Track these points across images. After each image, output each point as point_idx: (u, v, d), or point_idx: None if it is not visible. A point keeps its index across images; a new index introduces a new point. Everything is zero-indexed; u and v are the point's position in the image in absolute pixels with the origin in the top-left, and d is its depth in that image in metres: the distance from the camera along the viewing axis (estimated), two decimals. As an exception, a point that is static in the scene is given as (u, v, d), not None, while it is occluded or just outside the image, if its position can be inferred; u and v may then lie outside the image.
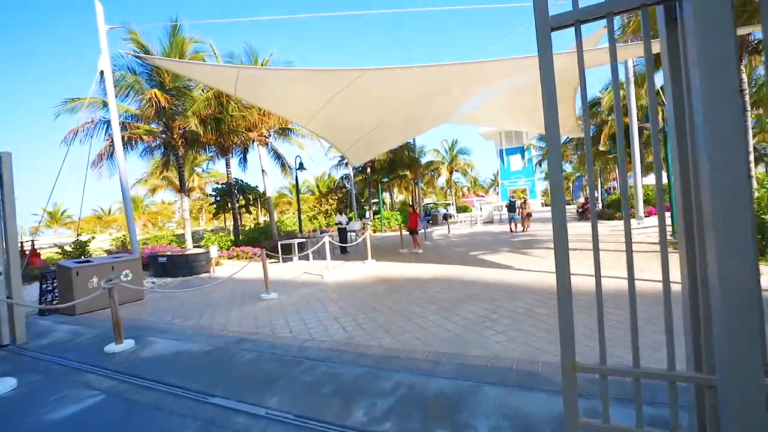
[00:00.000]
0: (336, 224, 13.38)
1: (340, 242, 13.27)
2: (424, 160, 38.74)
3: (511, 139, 47.89)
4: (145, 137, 13.47)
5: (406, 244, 12.77)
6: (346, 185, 30.10)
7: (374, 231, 23.90)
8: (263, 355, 3.89)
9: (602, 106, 18.32)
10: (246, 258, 13.16)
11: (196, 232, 21.51)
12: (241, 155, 18.42)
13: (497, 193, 55.68)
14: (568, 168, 45.55)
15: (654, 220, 14.95)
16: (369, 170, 25.76)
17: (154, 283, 9.51)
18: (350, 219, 23.33)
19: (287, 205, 42.83)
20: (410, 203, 14.96)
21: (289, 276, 9.31)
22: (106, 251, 14.75)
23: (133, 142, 13.32)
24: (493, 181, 67.76)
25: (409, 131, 16.07)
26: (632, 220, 17.44)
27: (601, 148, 20.88)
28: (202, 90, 13.36)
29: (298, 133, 17.47)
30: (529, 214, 21.60)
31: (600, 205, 22.39)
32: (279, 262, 12.22)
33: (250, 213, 22.89)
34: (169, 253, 10.70)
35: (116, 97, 10.10)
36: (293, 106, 10.88)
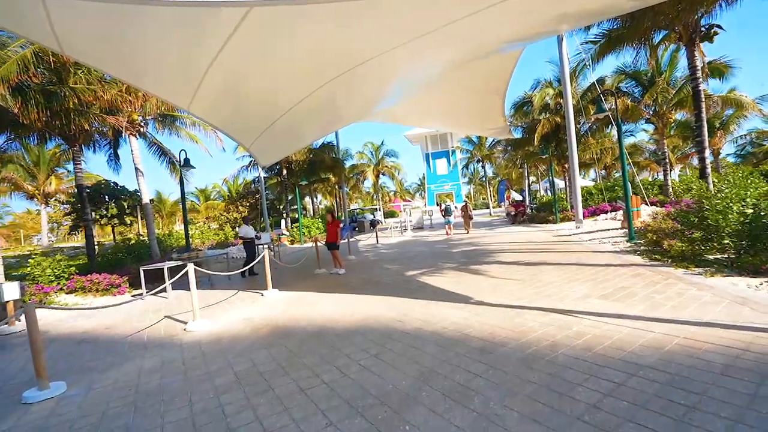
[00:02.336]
0: (240, 237, 10.05)
1: (247, 260, 10.03)
2: (349, 163, 36.23)
3: (437, 143, 47.65)
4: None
5: (325, 263, 9.99)
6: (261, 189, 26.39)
7: (291, 242, 20.62)
8: None
9: (533, 105, 17.52)
10: (97, 291, 9.25)
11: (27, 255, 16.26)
12: (109, 149, 14.05)
13: (423, 198, 55.31)
14: (489, 172, 46.40)
15: (594, 223, 14.11)
16: (285, 172, 22.41)
17: None
18: (262, 229, 19.75)
19: (196, 213, 37.16)
20: (329, 210, 12.05)
21: (130, 326, 5.95)
22: None
23: None
24: (419, 185, 67.75)
25: (327, 123, 13.28)
26: (566, 224, 17.07)
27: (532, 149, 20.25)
28: (22, 47, 9.18)
29: (190, 123, 13.72)
30: (470, 217, 20.34)
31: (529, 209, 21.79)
32: (144, 294, 8.60)
33: (127, 224, 18.14)
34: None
35: None
36: (156, 72, 7.49)
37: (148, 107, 12.20)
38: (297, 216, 27.89)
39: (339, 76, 8.72)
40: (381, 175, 35.67)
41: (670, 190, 15.18)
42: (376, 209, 39.43)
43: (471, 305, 5.12)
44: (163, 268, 8.74)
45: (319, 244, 9.90)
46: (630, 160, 33.35)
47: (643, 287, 5.10)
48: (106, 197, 16.78)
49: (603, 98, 9.41)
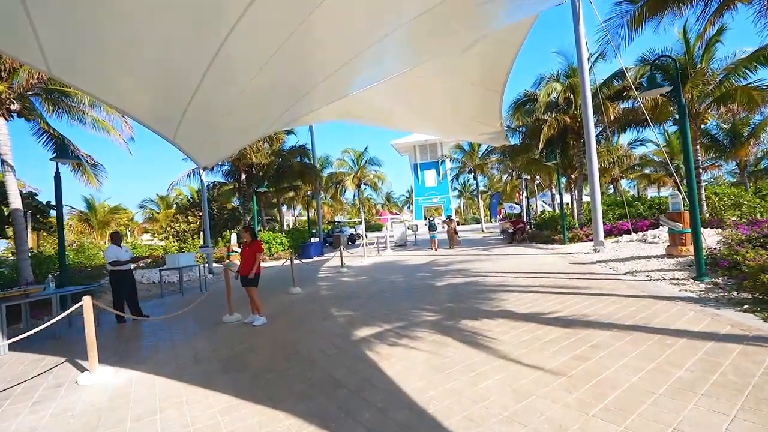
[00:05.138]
0: (109, 263, 6.60)
1: (117, 297, 6.64)
2: (328, 171, 33.07)
3: (426, 152, 44.87)
4: None
5: (239, 305, 6.68)
6: (233, 197, 22.92)
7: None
8: None
9: (538, 102, 14.64)
10: None
11: None
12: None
13: (411, 211, 52.34)
14: (481, 185, 43.71)
15: (617, 246, 10.95)
16: (245, 177, 19.08)
17: None
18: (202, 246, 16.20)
19: (155, 222, 33.28)
20: (247, 226, 8.63)
21: None
22: None
23: None
24: (407, 198, 64.78)
25: (285, 109, 10.08)
26: (578, 245, 13.84)
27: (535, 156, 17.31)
28: None
29: (90, 104, 10.39)
30: (455, 231, 17.53)
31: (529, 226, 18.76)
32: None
33: (4, 236, 14.48)
34: None
35: None
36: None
37: (22, 77, 8.87)
38: (268, 229, 24.48)
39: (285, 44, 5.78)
40: (363, 185, 32.50)
41: (705, 207, 12.24)
42: (356, 222, 36.21)
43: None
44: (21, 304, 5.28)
45: (231, 273, 6.53)
46: (637, 173, 30.64)
47: None
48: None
49: (654, 71, 6.43)
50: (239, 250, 16.89)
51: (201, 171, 13.92)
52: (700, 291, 5.53)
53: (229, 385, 3.60)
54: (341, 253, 12.13)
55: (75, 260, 12.42)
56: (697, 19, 7.80)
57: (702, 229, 8.48)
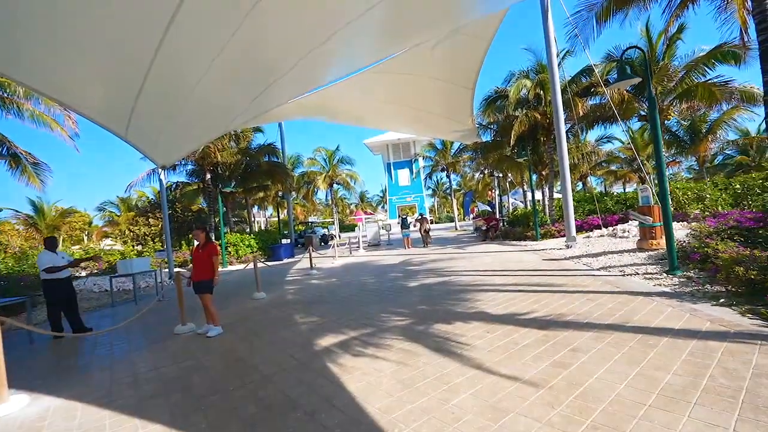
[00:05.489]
0: (43, 270, 5.79)
1: (52, 310, 5.89)
2: (299, 171, 32.26)
3: (399, 151, 44.68)
4: None
5: (194, 314, 6.08)
6: (202, 200, 21.78)
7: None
8: None
9: (508, 99, 14.60)
10: None
11: None
12: None
13: (385, 211, 52.08)
14: (454, 183, 43.99)
15: (588, 241, 10.97)
16: (209, 177, 18.15)
17: None
18: (159, 250, 15.24)
19: (115, 226, 31.37)
20: (201, 224, 7.79)
21: None
22: None
23: None
24: (381, 197, 64.52)
25: (249, 100, 9.46)
26: (550, 242, 13.86)
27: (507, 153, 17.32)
28: None
29: (25, 95, 9.41)
30: (427, 231, 17.31)
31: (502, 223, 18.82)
32: None
33: None
34: None
35: None
36: None
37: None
38: (237, 230, 23.47)
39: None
40: (336, 185, 31.87)
41: (669, 201, 12.49)
42: (329, 223, 35.64)
43: None
44: None
45: (183, 278, 5.91)
46: (604, 169, 31.51)
47: None
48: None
49: (622, 63, 6.33)
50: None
51: (159, 170, 13.00)
52: (674, 285, 5.43)
53: (165, 411, 3.09)
54: (310, 255, 11.59)
55: (15, 268, 11.28)
56: (663, 12, 7.83)
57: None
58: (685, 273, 5.94)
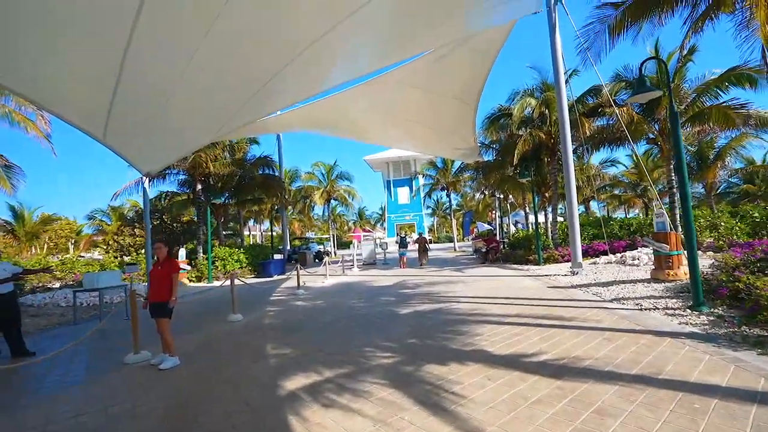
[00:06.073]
0: None
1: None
2: (297, 185, 31.70)
3: (399, 169, 44.36)
4: None
5: (155, 339, 5.32)
6: (191, 210, 21.11)
7: (199, 280, 15.49)
8: None
9: (512, 118, 14.14)
10: None
11: None
12: None
13: (384, 228, 51.41)
14: (454, 203, 43.46)
15: (595, 268, 10.23)
16: (200, 188, 17.53)
17: None
18: (130, 263, 14.47)
19: (105, 235, 30.52)
20: (163, 238, 6.81)
21: None
22: None
23: None
24: (380, 215, 63.90)
25: (241, 103, 8.87)
26: (553, 267, 12.85)
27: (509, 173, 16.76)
28: None
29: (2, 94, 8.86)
30: (425, 250, 16.77)
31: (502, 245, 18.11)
32: None
33: None
34: None
35: None
36: None
37: None
38: (228, 244, 22.72)
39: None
40: (333, 200, 31.27)
41: (680, 228, 11.85)
42: (325, 239, 34.90)
43: None
44: None
45: (139, 298, 5.15)
46: (607, 193, 30.89)
47: None
48: None
49: (641, 78, 5.77)
50: (189, 267, 15.26)
51: (144, 179, 12.38)
52: (704, 325, 4.69)
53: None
54: (298, 273, 10.83)
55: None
56: (684, 23, 7.35)
57: (685, 251, 7.84)
58: (712, 310, 5.21)
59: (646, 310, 5.73)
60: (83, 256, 23.33)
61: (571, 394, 3.04)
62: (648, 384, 3.12)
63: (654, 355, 3.78)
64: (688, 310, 5.36)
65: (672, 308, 5.63)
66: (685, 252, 10.00)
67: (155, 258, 4.92)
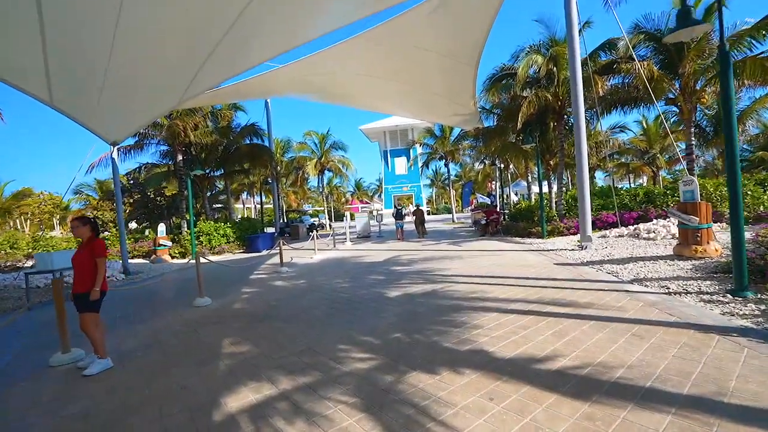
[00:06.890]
0: None
1: None
2: (290, 156, 30.44)
3: (396, 139, 42.82)
4: None
5: (75, 335, 4.45)
6: (169, 184, 19.99)
7: (183, 256, 14.67)
8: None
9: (517, 77, 12.81)
10: None
11: None
12: None
13: (381, 200, 50.44)
14: (453, 173, 42.28)
15: (605, 242, 9.31)
16: (181, 158, 16.39)
17: None
18: (103, 237, 13.55)
19: (93, 211, 29.55)
20: (83, 216, 5.61)
21: None
22: None
23: None
24: (378, 187, 62.68)
25: (211, 48, 7.60)
26: (558, 240, 11.05)
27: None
28: None
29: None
30: (422, 222, 16.09)
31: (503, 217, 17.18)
32: None
33: None
34: None
35: None
36: None
37: None
38: (190, 220, 21.80)
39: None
40: (327, 171, 30.07)
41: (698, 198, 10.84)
42: (319, 211, 33.98)
43: None
44: None
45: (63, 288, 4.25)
46: (615, 161, 29.43)
47: None
48: None
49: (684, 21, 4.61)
50: (169, 243, 14.38)
51: (111, 148, 11.27)
52: (755, 316, 3.81)
53: None
54: (281, 249, 9.93)
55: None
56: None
57: (712, 223, 6.89)
58: (759, 296, 4.33)
59: (675, 294, 4.85)
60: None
61: (606, 428, 2.17)
62: (712, 412, 2.24)
63: (706, 362, 2.90)
64: (728, 296, 4.47)
65: (707, 292, 4.74)
66: (721, 225, 9.05)
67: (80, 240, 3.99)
